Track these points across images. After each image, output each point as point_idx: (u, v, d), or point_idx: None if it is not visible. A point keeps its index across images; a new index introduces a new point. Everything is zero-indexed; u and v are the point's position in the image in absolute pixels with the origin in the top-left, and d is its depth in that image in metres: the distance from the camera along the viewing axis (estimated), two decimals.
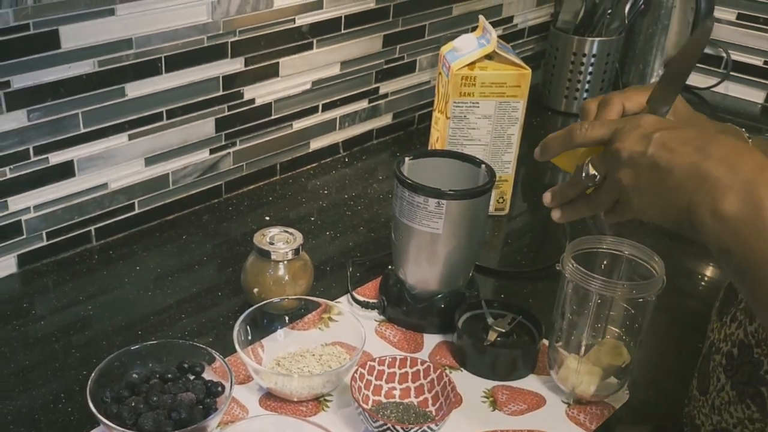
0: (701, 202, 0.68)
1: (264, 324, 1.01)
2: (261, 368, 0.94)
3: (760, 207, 0.64)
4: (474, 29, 1.34)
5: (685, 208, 0.69)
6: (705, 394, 0.85)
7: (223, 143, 1.32)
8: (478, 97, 1.24)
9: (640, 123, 0.73)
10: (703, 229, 0.68)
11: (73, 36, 1.06)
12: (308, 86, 1.41)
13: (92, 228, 1.20)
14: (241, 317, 0.97)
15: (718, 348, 0.83)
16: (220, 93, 1.27)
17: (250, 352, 0.96)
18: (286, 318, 1.03)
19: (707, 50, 1.83)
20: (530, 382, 0.99)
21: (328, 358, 0.97)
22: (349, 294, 1.12)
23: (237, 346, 0.93)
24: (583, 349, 0.95)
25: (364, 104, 1.54)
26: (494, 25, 1.53)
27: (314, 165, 1.49)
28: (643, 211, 0.74)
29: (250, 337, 0.98)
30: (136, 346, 0.91)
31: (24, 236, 1.12)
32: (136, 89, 1.16)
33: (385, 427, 0.85)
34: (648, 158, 0.71)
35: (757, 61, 1.88)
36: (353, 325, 0.98)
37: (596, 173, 0.76)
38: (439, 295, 1.05)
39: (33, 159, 1.09)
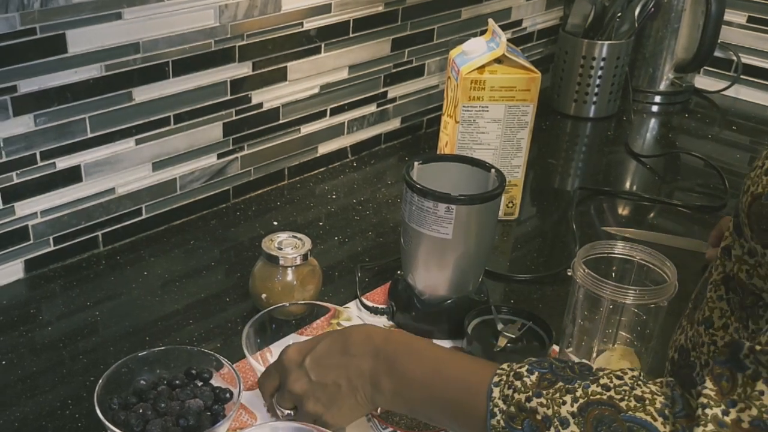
0: (370, 393, 0.78)
1: (272, 329, 1.00)
2: None
3: (401, 375, 0.76)
4: (483, 33, 1.33)
5: (361, 402, 0.79)
6: None
7: (231, 148, 1.32)
8: (487, 101, 1.23)
9: (289, 359, 0.82)
10: (382, 406, 0.82)
11: (79, 40, 1.06)
12: (316, 90, 1.41)
13: (99, 233, 1.19)
14: (250, 322, 0.96)
15: (667, 355, 0.88)
16: (228, 97, 1.27)
17: (259, 358, 0.96)
18: (293, 322, 1.02)
19: (717, 53, 1.82)
20: None
21: None
22: (357, 299, 1.11)
23: (246, 351, 0.92)
24: (594, 355, 0.94)
25: (372, 108, 1.53)
26: (503, 28, 1.53)
27: (322, 169, 1.48)
28: (343, 418, 0.82)
29: (258, 342, 0.97)
30: (144, 352, 0.90)
31: (31, 241, 1.12)
32: (143, 94, 1.16)
33: None
34: (314, 383, 0.80)
35: None
36: None
37: (288, 410, 0.84)
38: (449, 301, 1.04)
39: (40, 164, 1.09)
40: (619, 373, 0.67)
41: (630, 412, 0.63)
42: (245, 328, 0.95)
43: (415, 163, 1.04)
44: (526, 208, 1.39)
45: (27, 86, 1.03)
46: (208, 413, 0.86)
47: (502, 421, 0.68)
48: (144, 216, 1.24)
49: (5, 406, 0.92)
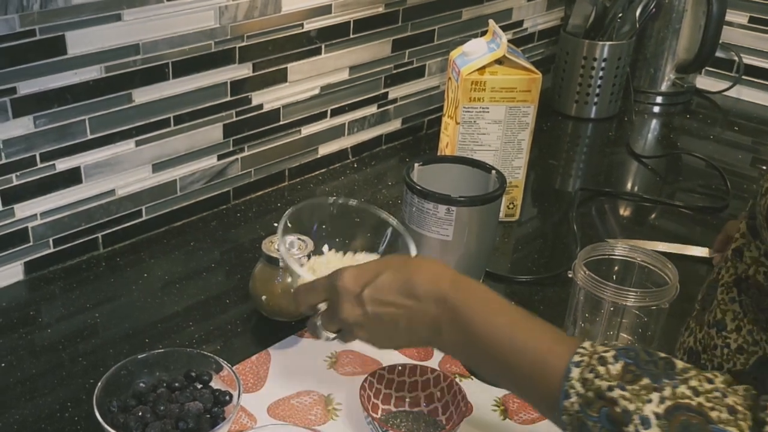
0: (429, 337, 0.76)
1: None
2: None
3: (466, 329, 0.73)
4: (484, 33, 1.33)
5: (420, 339, 0.78)
6: None
7: (231, 149, 1.31)
8: (488, 102, 1.23)
9: (344, 287, 0.78)
10: (441, 350, 0.80)
11: (79, 42, 1.05)
12: (317, 91, 1.41)
13: (99, 235, 1.19)
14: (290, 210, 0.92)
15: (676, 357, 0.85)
16: (228, 99, 1.27)
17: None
18: (293, 323, 1.02)
19: (719, 53, 1.82)
20: None
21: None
22: None
23: (281, 247, 0.90)
24: None
25: (372, 109, 1.53)
26: (504, 29, 1.52)
27: (323, 171, 1.48)
28: (393, 347, 0.84)
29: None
30: (143, 355, 0.90)
31: (31, 243, 1.12)
32: (143, 95, 1.15)
33: None
34: (370, 316, 0.77)
35: None
36: None
37: (333, 335, 0.82)
38: None
39: (40, 165, 1.08)
40: (709, 375, 0.63)
41: (721, 425, 0.59)
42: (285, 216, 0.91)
43: (416, 165, 1.04)
44: (527, 210, 1.38)
45: (27, 88, 1.03)
46: (208, 416, 0.86)
47: (576, 405, 0.64)
48: (144, 217, 1.24)
49: (4, 408, 0.91)
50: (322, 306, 0.82)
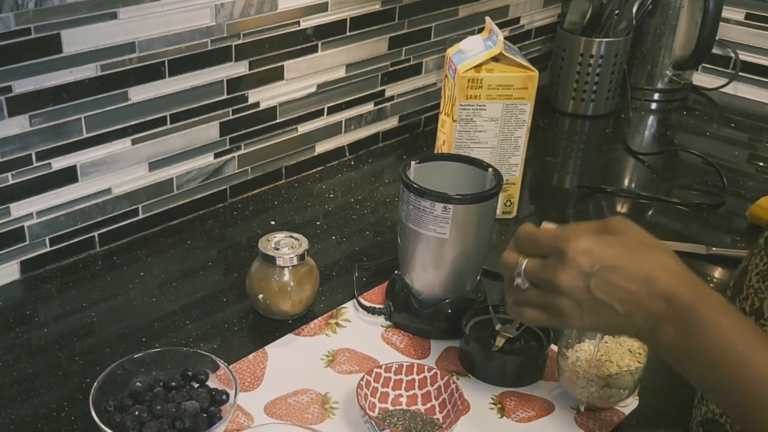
0: (642, 329, 0.72)
1: None
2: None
3: (691, 337, 0.69)
4: (480, 31, 1.33)
5: (625, 329, 0.75)
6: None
7: (228, 147, 1.31)
8: (484, 99, 1.23)
9: (575, 256, 0.72)
10: (647, 343, 0.78)
11: (75, 40, 1.05)
12: (313, 89, 1.40)
13: (96, 234, 1.19)
14: None
15: None
16: (225, 97, 1.26)
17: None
18: (290, 322, 1.02)
19: (716, 50, 1.82)
20: (538, 389, 0.98)
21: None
22: (355, 299, 1.11)
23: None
24: (593, 355, 0.94)
25: (369, 107, 1.53)
26: (501, 26, 1.52)
27: (320, 168, 1.48)
28: (589, 327, 0.78)
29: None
30: (140, 354, 0.90)
31: (27, 242, 1.11)
32: (139, 93, 1.15)
33: None
34: (591, 294, 0.72)
35: (766, 62, 1.86)
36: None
37: (527, 285, 0.77)
38: (446, 301, 1.04)
39: (35, 164, 1.08)
40: None
41: None
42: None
43: (412, 163, 1.04)
44: (524, 207, 1.38)
45: (22, 86, 1.03)
46: (204, 415, 0.85)
47: None
48: (141, 216, 1.23)
49: (1, 408, 0.91)
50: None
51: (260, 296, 1.04)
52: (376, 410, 0.91)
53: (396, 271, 1.09)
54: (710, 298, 0.71)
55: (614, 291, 0.71)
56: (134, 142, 1.18)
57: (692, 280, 0.72)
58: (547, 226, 0.79)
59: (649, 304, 0.71)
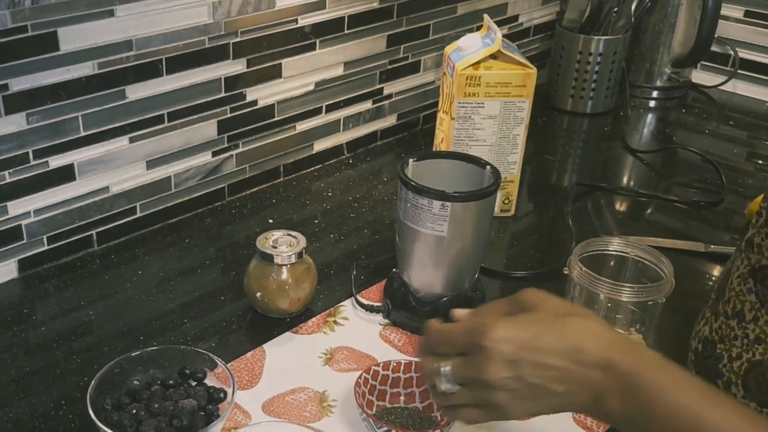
0: (585, 404, 0.68)
1: None
2: None
3: (640, 404, 0.65)
4: (479, 28, 1.32)
5: (568, 406, 0.70)
6: None
7: (226, 145, 1.31)
8: (483, 97, 1.22)
9: (495, 347, 0.68)
10: (599, 420, 0.75)
11: (72, 38, 1.05)
12: (311, 87, 1.40)
13: (93, 232, 1.19)
14: None
15: (690, 345, 0.88)
16: (222, 95, 1.26)
17: None
18: (287, 320, 1.02)
19: (715, 48, 1.82)
20: None
21: None
22: (353, 297, 1.11)
23: None
24: None
25: (368, 105, 1.52)
26: (499, 24, 1.52)
27: (318, 167, 1.48)
28: (527, 414, 0.73)
29: None
30: (137, 352, 0.90)
31: (24, 241, 1.11)
32: (136, 91, 1.15)
33: None
34: (524, 381, 0.68)
35: (765, 59, 1.86)
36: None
37: (457, 387, 0.73)
38: (445, 298, 1.04)
39: (33, 163, 1.08)
40: None
41: None
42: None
43: (410, 161, 1.04)
44: (522, 205, 1.38)
45: (19, 84, 1.02)
46: (202, 413, 0.85)
47: None
48: (138, 214, 1.23)
49: None
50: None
51: (258, 294, 1.04)
52: (374, 408, 0.91)
53: (394, 269, 1.09)
54: (649, 360, 0.67)
55: (546, 372, 0.68)
56: (132, 140, 1.17)
57: (625, 343, 0.69)
58: (458, 314, 0.77)
59: (585, 377, 0.67)
